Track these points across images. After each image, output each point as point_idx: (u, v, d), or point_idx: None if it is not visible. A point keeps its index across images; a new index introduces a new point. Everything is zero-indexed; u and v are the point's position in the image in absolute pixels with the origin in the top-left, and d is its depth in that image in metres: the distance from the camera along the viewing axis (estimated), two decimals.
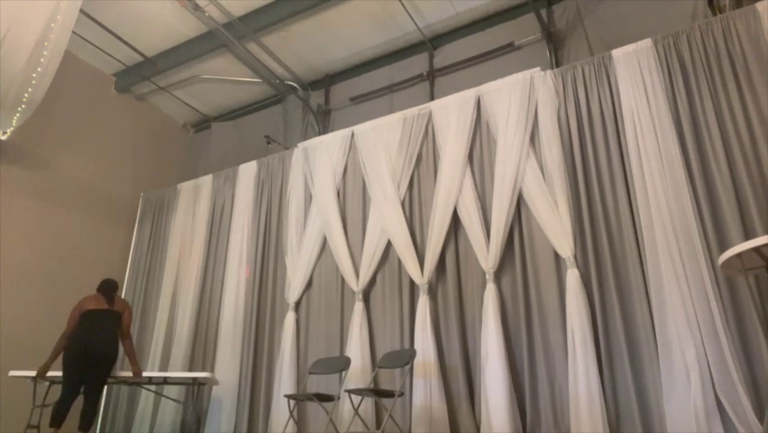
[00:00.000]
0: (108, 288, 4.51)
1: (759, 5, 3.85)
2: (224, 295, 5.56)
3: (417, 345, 4.27)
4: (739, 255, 2.73)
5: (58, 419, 3.94)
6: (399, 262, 4.71)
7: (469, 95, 4.85)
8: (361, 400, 4.17)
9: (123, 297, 6.31)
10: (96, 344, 4.15)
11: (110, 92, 6.78)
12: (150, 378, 4.58)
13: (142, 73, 6.55)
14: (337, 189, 5.32)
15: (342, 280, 4.98)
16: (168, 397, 5.06)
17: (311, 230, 5.28)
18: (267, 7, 5.69)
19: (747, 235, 3.44)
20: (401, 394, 4.09)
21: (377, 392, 4.12)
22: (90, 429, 4.08)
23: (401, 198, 4.90)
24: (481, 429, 3.86)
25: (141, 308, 6.12)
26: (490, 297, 4.12)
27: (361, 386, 4.27)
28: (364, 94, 6.30)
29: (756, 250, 2.65)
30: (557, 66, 5.02)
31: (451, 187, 4.60)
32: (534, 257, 4.18)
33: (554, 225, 4.07)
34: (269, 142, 6.32)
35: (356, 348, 4.55)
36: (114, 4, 5.60)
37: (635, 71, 4.17)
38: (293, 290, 5.17)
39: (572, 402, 3.61)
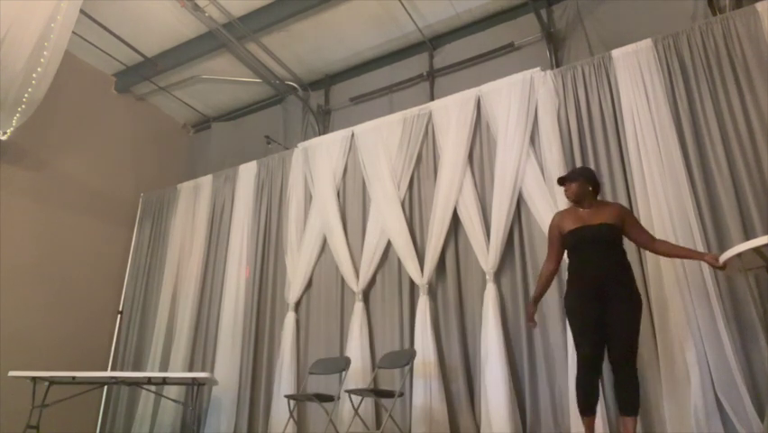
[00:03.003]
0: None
1: (759, 5, 3.85)
2: (224, 295, 5.55)
3: (417, 346, 4.27)
4: (739, 255, 2.73)
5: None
6: (399, 262, 4.71)
7: (469, 95, 4.85)
8: (361, 401, 4.17)
9: (123, 297, 6.34)
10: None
11: (110, 92, 6.78)
12: (149, 378, 4.58)
13: (143, 73, 6.54)
14: (337, 189, 5.32)
15: (342, 280, 4.97)
16: (167, 397, 5.06)
17: (311, 230, 5.28)
18: (267, 7, 5.68)
19: (747, 235, 3.44)
20: (401, 394, 4.09)
21: (377, 393, 4.12)
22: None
23: (401, 198, 4.90)
24: (481, 430, 3.86)
25: (142, 308, 6.11)
26: (490, 297, 4.11)
27: (361, 386, 4.27)
28: (364, 94, 6.29)
29: (756, 250, 2.65)
30: (557, 66, 5.01)
31: (451, 187, 4.59)
32: (534, 257, 4.17)
33: None
34: (269, 143, 6.32)
35: (356, 348, 4.55)
36: (114, 4, 5.60)
37: (635, 71, 4.17)
38: (293, 290, 5.16)
39: (572, 402, 3.59)
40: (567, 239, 3.10)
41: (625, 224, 3.06)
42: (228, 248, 5.78)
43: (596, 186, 3.18)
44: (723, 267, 2.84)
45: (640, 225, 3.16)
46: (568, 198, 3.22)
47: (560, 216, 3.23)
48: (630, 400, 2.81)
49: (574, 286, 3.03)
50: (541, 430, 3.74)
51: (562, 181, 3.24)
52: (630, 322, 2.87)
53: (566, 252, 3.18)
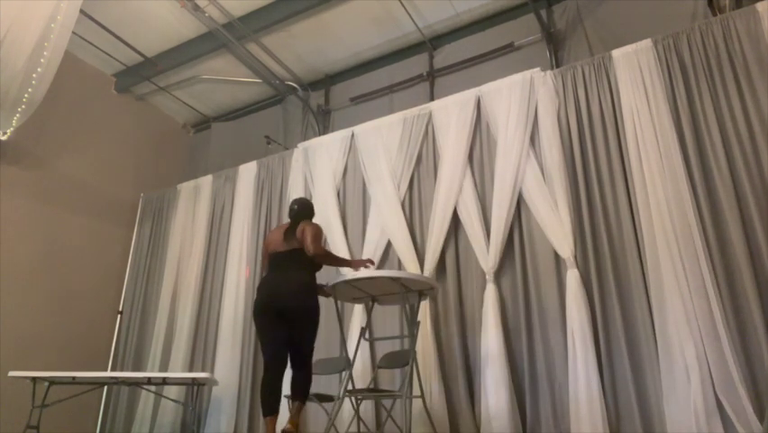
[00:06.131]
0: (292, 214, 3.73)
1: (759, 5, 3.85)
2: (224, 295, 5.55)
3: (417, 346, 4.26)
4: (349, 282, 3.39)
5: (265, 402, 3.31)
6: (399, 262, 4.70)
7: (469, 95, 4.85)
8: (361, 401, 4.17)
9: (123, 297, 6.34)
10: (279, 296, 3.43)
11: (110, 92, 6.78)
12: (149, 378, 4.57)
13: (143, 73, 6.55)
14: (337, 190, 5.32)
15: None
16: (167, 397, 5.06)
17: None
18: (267, 7, 5.69)
19: (747, 235, 3.45)
20: (401, 395, 4.08)
21: (377, 393, 4.11)
22: (303, 399, 3.44)
23: (401, 198, 4.90)
24: (481, 430, 3.86)
25: (142, 308, 6.11)
26: (490, 297, 4.12)
27: (361, 386, 4.27)
28: (364, 94, 6.29)
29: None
30: (557, 66, 5.02)
31: (451, 187, 4.59)
32: (534, 257, 4.18)
33: (554, 225, 4.07)
34: (269, 143, 6.32)
35: None
36: (114, 4, 5.60)
37: (635, 71, 4.17)
38: None
39: (572, 402, 3.61)
40: None
41: None
42: (228, 248, 5.78)
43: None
44: (328, 295, 3.82)
45: None
46: None
47: None
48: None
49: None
50: (541, 430, 3.74)
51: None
52: None
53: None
